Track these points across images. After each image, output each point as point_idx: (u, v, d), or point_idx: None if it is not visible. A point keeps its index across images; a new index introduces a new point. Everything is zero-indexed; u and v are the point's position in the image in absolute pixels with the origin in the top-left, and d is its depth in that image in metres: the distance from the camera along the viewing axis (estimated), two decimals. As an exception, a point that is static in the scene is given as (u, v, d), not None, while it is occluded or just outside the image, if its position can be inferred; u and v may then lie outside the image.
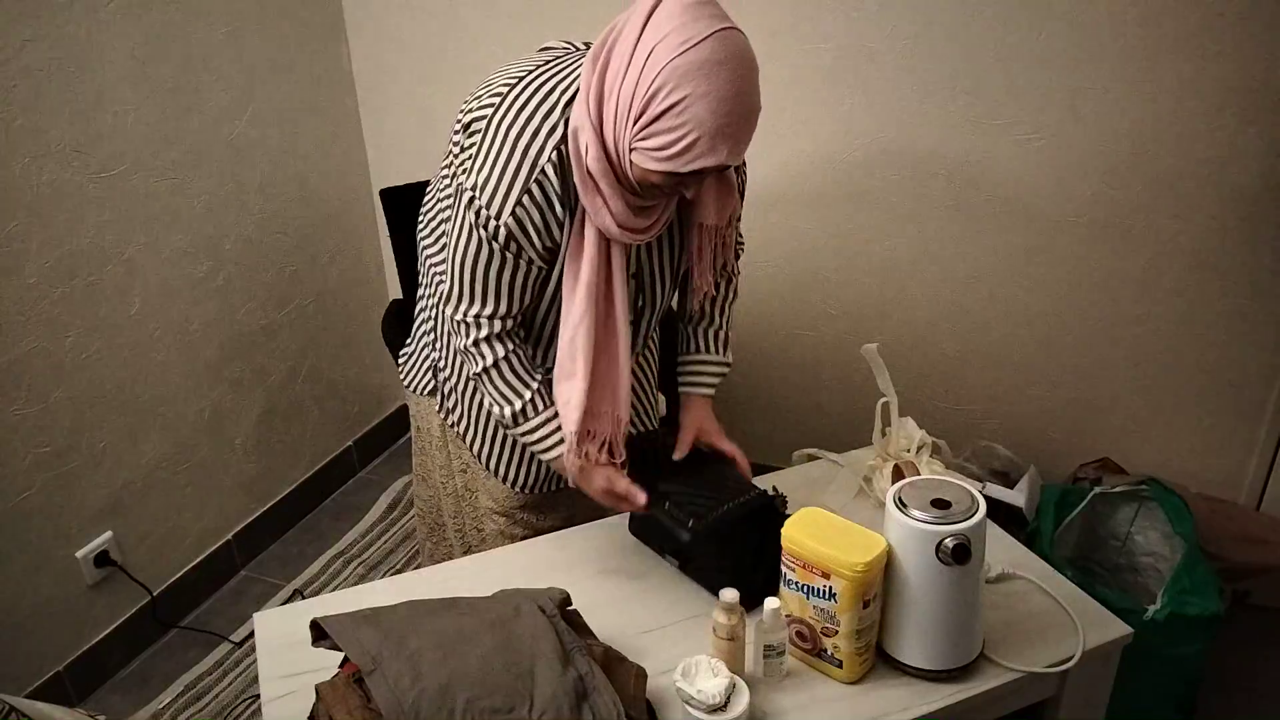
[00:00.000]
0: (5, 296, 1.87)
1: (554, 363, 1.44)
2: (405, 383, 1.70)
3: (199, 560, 2.39)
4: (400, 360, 1.73)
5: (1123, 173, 2.06)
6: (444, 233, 1.47)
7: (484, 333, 1.39)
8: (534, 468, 1.63)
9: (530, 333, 1.49)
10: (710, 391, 1.61)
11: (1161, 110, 1.98)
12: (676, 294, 1.59)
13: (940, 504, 1.23)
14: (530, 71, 1.32)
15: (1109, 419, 2.29)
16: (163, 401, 2.23)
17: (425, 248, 1.55)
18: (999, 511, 1.74)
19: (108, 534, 2.14)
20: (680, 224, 1.45)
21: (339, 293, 2.75)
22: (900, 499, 1.25)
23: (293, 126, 2.51)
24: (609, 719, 1.12)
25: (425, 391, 1.66)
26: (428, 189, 1.59)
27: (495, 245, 1.32)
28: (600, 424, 1.44)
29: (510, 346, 1.41)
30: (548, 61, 1.34)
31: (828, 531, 1.26)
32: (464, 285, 1.37)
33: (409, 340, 1.71)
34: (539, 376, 1.44)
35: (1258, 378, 2.13)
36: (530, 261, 1.35)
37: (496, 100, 1.31)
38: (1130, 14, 1.93)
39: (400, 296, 2.22)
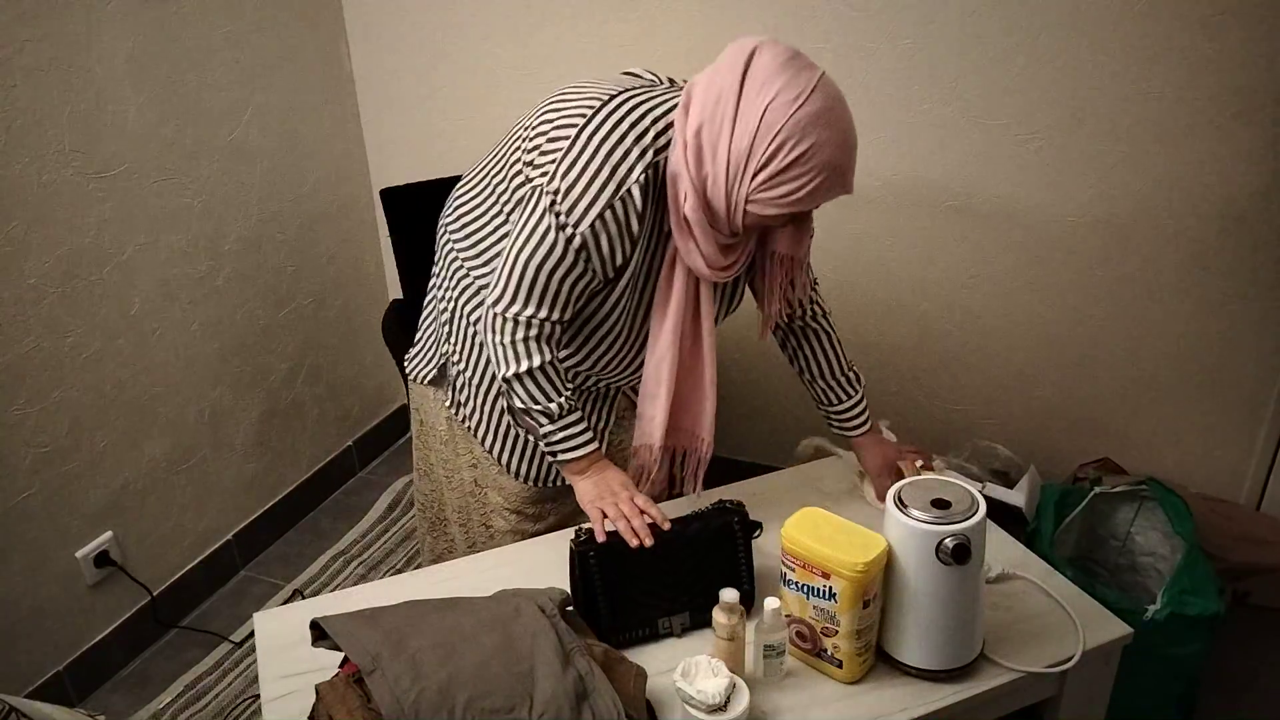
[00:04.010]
0: (5, 296, 1.87)
1: (585, 378, 1.53)
2: (410, 373, 1.70)
3: (199, 560, 2.39)
4: (411, 349, 1.73)
5: (1123, 173, 2.06)
6: (483, 227, 1.48)
7: (533, 333, 1.39)
8: (541, 461, 1.63)
9: (584, 344, 1.49)
10: (871, 424, 1.66)
11: (1161, 110, 1.98)
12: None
13: (940, 504, 1.23)
14: (624, 90, 1.35)
15: (1109, 419, 2.29)
16: (163, 401, 2.23)
17: (454, 241, 1.55)
18: (999, 511, 1.74)
19: (108, 534, 2.14)
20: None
21: (339, 293, 2.75)
22: (900, 499, 1.25)
23: (293, 126, 2.51)
24: (609, 719, 1.12)
25: (427, 381, 1.66)
26: (459, 185, 1.59)
27: (569, 249, 1.33)
28: (680, 439, 1.53)
29: (553, 354, 1.42)
30: (637, 87, 1.36)
31: (828, 531, 1.26)
32: (522, 284, 1.36)
33: (420, 331, 1.71)
34: (570, 387, 1.45)
35: (1257, 378, 2.13)
36: (594, 272, 1.36)
37: (589, 111, 1.32)
38: (1130, 14, 1.93)
39: (400, 296, 2.22)
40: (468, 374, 1.60)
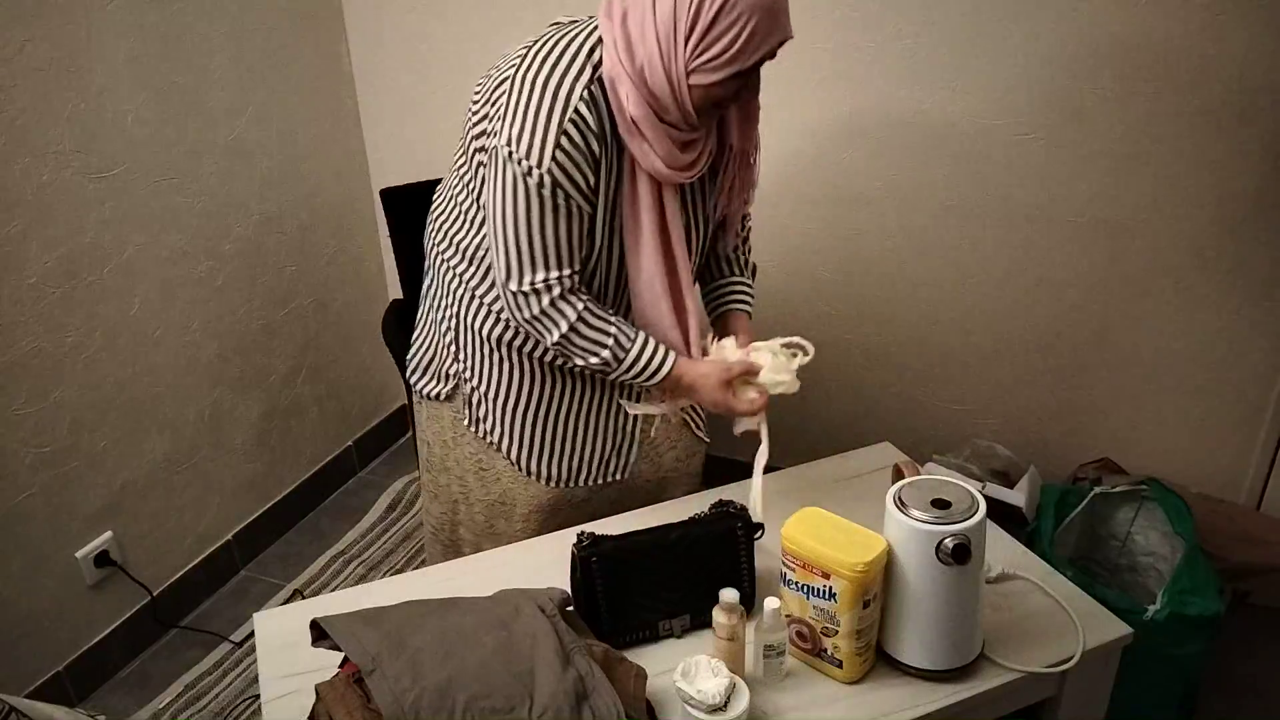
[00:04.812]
0: (5, 296, 1.87)
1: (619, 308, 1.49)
2: (419, 389, 1.68)
3: (199, 560, 2.39)
4: (410, 367, 1.71)
5: (1123, 172, 2.06)
6: (466, 231, 1.47)
7: (555, 292, 1.38)
8: (570, 463, 1.63)
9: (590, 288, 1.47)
10: (750, 309, 1.62)
11: (1162, 109, 1.98)
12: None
13: (940, 504, 1.23)
14: (543, 36, 1.36)
15: (1109, 419, 2.29)
16: (163, 401, 2.23)
17: (445, 257, 1.54)
18: (999, 511, 1.74)
19: (108, 534, 2.14)
20: (710, 170, 1.48)
21: (339, 293, 2.75)
22: (900, 499, 1.25)
23: (293, 126, 2.51)
24: (609, 719, 1.12)
25: (442, 398, 1.64)
26: (436, 194, 1.58)
27: (543, 195, 1.31)
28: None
29: (584, 300, 1.40)
30: (561, 29, 1.37)
31: (828, 531, 1.26)
32: (519, 251, 1.35)
33: (418, 347, 1.69)
34: (613, 313, 1.43)
35: (1258, 378, 2.13)
36: (579, 208, 1.35)
37: (517, 62, 1.33)
38: (1132, 13, 1.93)
39: (400, 296, 2.22)
40: (482, 389, 1.58)
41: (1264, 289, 2.05)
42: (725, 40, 1.23)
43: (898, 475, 1.56)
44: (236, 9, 2.29)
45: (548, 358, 1.54)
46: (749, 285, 1.64)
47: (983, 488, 2.03)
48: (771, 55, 1.29)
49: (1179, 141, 2.00)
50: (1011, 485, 2.15)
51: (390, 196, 2.11)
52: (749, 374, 1.47)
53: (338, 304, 2.75)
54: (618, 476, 1.67)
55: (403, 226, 2.12)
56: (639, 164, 1.34)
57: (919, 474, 1.50)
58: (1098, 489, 2.07)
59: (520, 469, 1.63)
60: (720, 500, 1.43)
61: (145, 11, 2.06)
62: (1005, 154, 2.13)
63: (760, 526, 1.40)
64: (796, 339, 1.51)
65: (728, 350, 1.51)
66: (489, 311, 1.50)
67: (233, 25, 2.28)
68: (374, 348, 2.89)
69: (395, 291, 2.73)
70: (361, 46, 2.65)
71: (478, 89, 1.41)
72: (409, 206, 2.13)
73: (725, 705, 1.17)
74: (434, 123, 2.65)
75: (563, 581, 1.36)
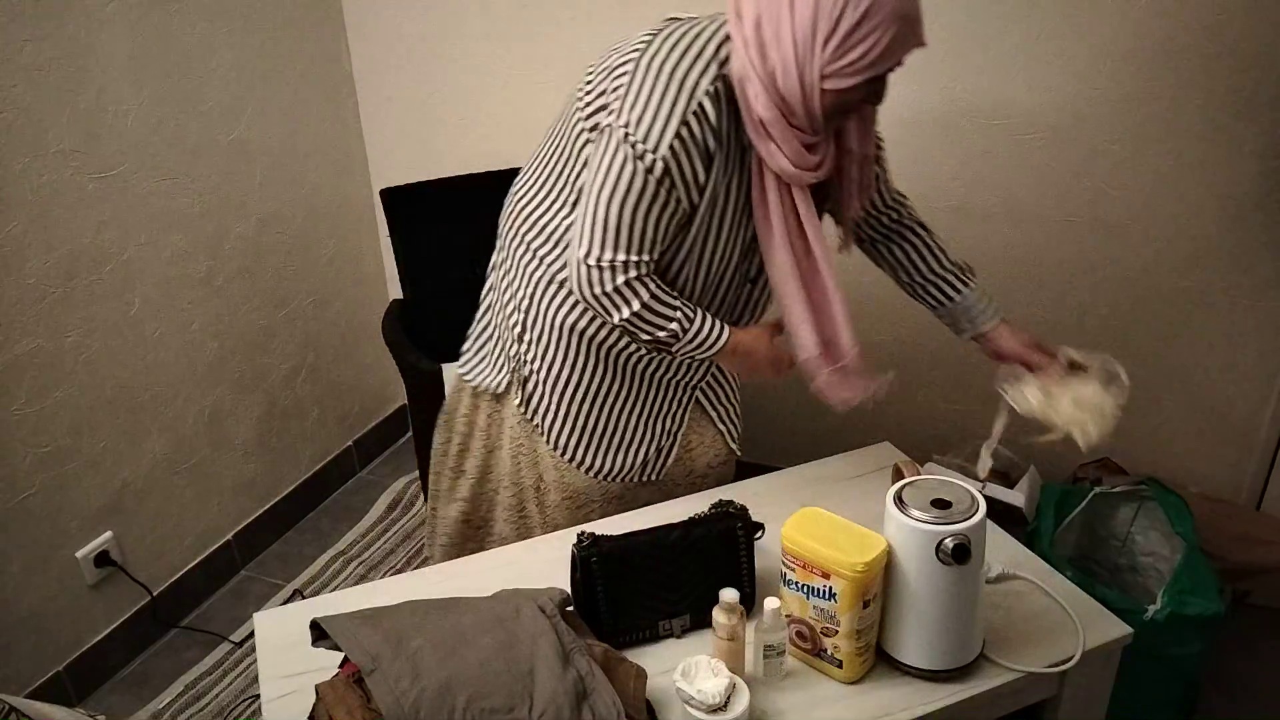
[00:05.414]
0: (5, 296, 1.87)
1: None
2: (475, 380, 1.67)
3: (199, 560, 2.39)
4: (467, 355, 1.70)
5: (1123, 173, 2.06)
6: (556, 217, 1.46)
7: (632, 274, 1.37)
8: (615, 457, 1.63)
9: (673, 284, 1.46)
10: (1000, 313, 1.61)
11: (1161, 110, 1.98)
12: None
13: (940, 504, 1.23)
14: (666, 27, 1.34)
15: (1109, 419, 2.29)
16: (163, 401, 2.23)
17: (529, 241, 1.53)
18: (999, 511, 1.74)
19: (108, 534, 2.14)
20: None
21: (339, 293, 2.75)
22: (900, 499, 1.25)
23: (293, 126, 2.51)
24: (609, 719, 1.12)
25: (501, 389, 1.64)
26: (518, 180, 1.57)
27: (650, 180, 1.31)
28: (827, 353, 1.49)
29: (654, 282, 1.39)
30: (679, 22, 1.36)
31: (828, 531, 1.26)
32: (608, 228, 1.34)
33: (481, 333, 1.68)
34: (677, 300, 1.42)
35: (1258, 377, 2.13)
36: (679, 201, 1.34)
37: (643, 46, 1.32)
38: (1131, 14, 1.93)
39: (400, 296, 2.22)
40: (542, 374, 1.58)
41: (1264, 289, 2.05)
42: (864, 46, 1.23)
43: (898, 475, 1.56)
44: (236, 9, 2.29)
45: (619, 343, 1.53)
46: (979, 288, 1.61)
47: (983, 488, 2.02)
48: (900, 63, 1.29)
49: (1179, 141, 2.00)
50: (1011, 485, 2.15)
51: (390, 196, 2.12)
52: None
53: (338, 304, 2.75)
54: (653, 477, 1.68)
55: (403, 226, 2.13)
56: (766, 165, 1.34)
57: (919, 474, 1.50)
58: (1098, 489, 2.06)
59: (565, 456, 1.63)
60: (720, 500, 1.43)
61: (145, 11, 2.06)
62: (1005, 154, 2.13)
63: (760, 527, 1.40)
64: (1105, 360, 1.47)
65: (1029, 393, 1.52)
66: (566, 295, 1.50)
67: (233, 25, 2.28)
68: (374, 348, 2.89)
69: (395, 291, 2.73)
70: (361, 46, 2.65)
71: (589, 75, 1.39)
72: (409, 206, 2.13)
73: (725, 705, 1.17)
74: (434, 123, 2.65)
75: (563, 581, 1.36)
